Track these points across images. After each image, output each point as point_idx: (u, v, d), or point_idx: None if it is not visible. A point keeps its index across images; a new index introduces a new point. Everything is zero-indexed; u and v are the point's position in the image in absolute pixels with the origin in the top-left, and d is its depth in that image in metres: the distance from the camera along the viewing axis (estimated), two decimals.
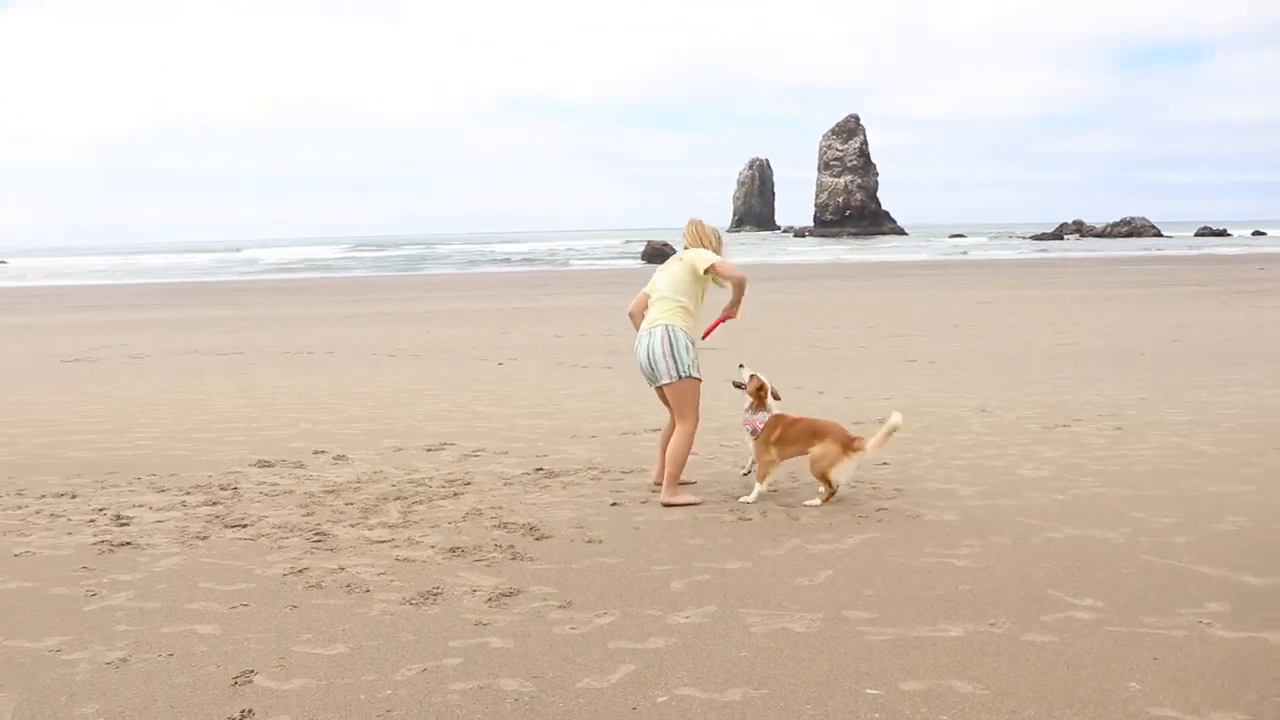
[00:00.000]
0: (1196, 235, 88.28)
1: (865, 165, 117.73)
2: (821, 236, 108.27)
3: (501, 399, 10.56)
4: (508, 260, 67.69)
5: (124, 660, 3.96)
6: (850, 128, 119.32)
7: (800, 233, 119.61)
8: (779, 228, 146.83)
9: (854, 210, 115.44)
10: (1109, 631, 4.09)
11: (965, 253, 64.77)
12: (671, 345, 6.13)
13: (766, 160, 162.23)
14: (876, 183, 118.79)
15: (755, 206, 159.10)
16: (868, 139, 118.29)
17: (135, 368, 13.94)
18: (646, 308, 6.40)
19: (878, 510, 6.00)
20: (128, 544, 5.45)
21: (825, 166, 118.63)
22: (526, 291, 33.33)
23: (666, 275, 6.33)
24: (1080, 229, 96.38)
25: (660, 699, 3.56)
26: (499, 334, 18.95)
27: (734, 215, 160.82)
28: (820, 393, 10.67)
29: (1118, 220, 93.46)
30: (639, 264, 59.26)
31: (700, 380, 6.26)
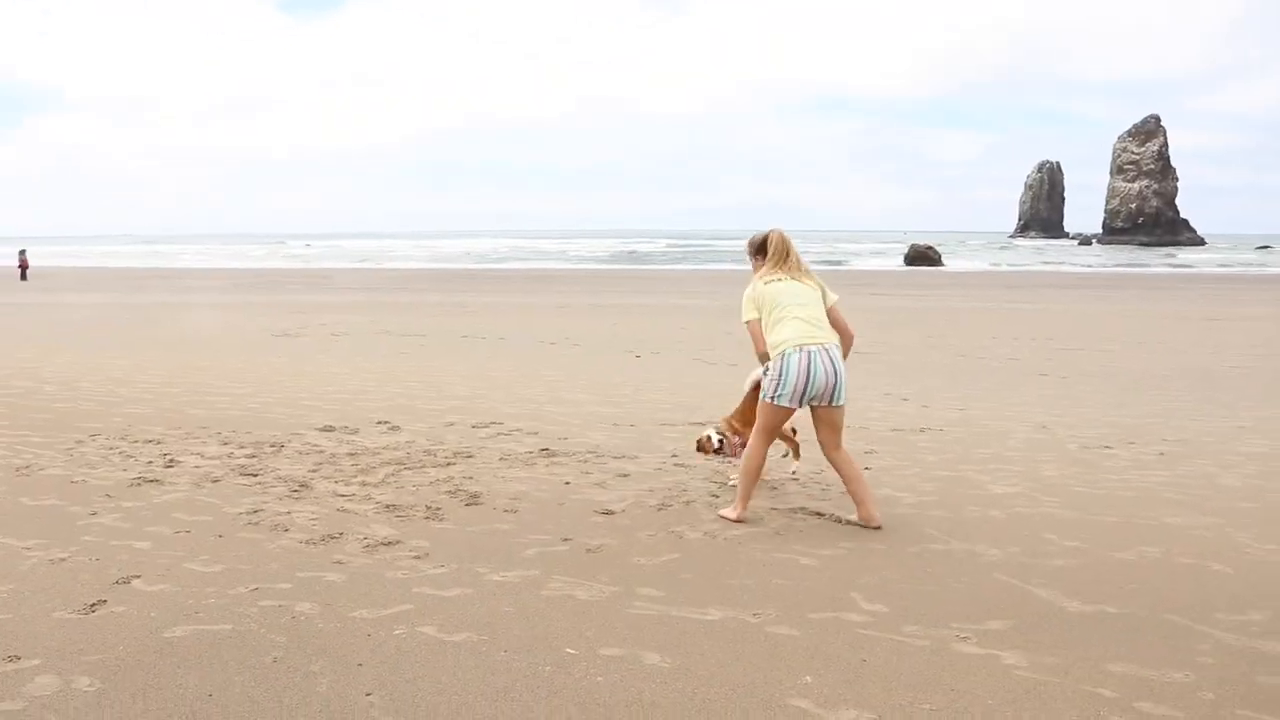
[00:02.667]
0: None
1: (1164, 169, 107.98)
2: (1109, 244, 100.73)
3: (591, 386, 11.29)
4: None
5: (63, 559, 5.06)
6: (1149, 129, 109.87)
7: (1087, 240, 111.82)
8: (1067, 234, 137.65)
9: (1147, 218, 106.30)
10: (857, 634, 4.20)
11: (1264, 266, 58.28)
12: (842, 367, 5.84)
13: (1057, 163, 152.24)
14: (1175, 188, 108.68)
15: (1043, 211, 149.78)
16: (1168, 141, 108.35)
17: (324, 343, 15.95)
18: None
19: (798, 509, 6.17)
20: (155, 481, 6.69)
21: (1118, 170, 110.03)
22: None
23: (810, 295, 5.89)
24: None
25: (397, 631, 4.16)
26: (678, 327, 19.73)
27: (1019, 219, 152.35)
28: (904, 399, 10.59)
29: None
30: (899, 266, 58.57)
31: None
